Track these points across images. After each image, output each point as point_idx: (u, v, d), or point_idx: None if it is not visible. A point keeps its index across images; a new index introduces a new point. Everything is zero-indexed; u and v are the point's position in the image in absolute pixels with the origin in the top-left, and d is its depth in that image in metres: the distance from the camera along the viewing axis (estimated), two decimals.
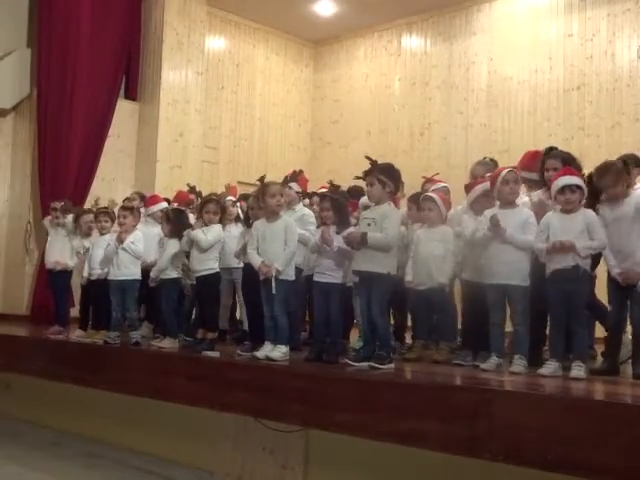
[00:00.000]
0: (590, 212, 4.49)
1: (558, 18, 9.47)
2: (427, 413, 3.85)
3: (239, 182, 9.57)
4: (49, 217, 7.55)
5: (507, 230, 4.63)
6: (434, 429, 3.80)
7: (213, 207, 5.56)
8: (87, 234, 6.84)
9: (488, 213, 4.80)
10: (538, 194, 5.06)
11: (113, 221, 6.41)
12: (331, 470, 4.96)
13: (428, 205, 5.33)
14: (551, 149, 5.17)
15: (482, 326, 4.92)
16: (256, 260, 5.04)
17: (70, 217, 7.14)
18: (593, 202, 4.60)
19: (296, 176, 5.98)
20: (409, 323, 5.77)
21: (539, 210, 4.81)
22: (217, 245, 5.56)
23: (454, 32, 10.50)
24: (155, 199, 7.15)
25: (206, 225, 5.54)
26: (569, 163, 4.84)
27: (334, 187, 5.31)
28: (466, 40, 10.36)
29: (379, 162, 4.78)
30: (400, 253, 5.20)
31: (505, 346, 4.88)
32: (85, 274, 6.49)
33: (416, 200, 5.66)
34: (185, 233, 5.66)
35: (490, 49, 10.08)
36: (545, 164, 5.03)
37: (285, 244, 5.00)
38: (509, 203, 4.82)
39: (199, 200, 6.03)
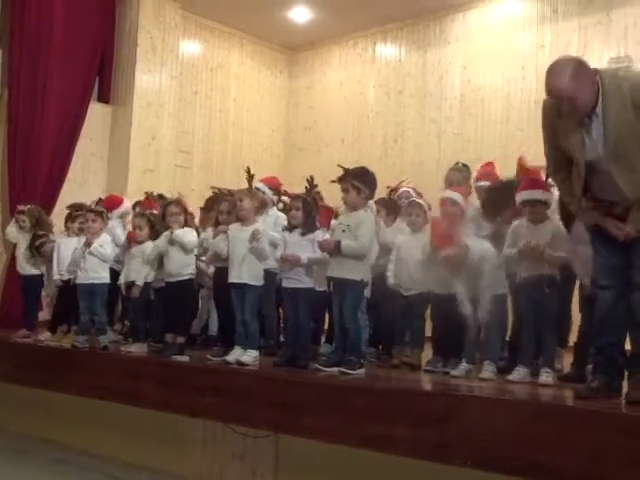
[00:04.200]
0: (557, 222, 4.53)
1: (531, 29, 9.57)
2: (397, 418, 3.86)
3: (212, 187, 9.51)
4: (13, 224, 7.37)
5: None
6: (404, 434, 3.81)
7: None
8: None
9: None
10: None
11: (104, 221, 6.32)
12: (301, 476, 4.94)
13: (416, 211, 5.34)
14: None
15: (452, 333, 4.94)
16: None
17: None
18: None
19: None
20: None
21: None
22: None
23: (428, 41, 10.55)
24: (117, 200, 7.14)
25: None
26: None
27: (311, 185, 5.30)
28: (440, 49, 10.42)
29: (353, 167, 4.79)
30: (382, 258, 5.25)
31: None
32: (56, 276, 6.42)
33: (386, 204, 5.70)
34: (165, 234, 5.60)
35: (464, 58, 10.15)
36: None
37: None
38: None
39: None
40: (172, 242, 5.52)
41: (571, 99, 3.60)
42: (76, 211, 6.72)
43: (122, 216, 7.00)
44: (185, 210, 5.72)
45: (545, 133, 3.88)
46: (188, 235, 5.55)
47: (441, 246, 4.78)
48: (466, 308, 4.65)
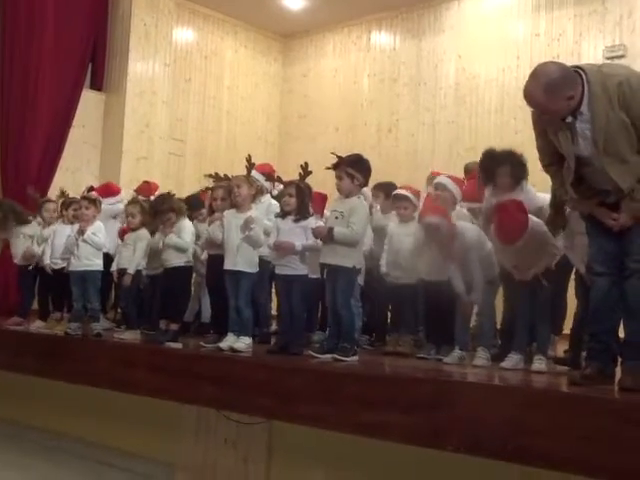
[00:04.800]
0: None
1: (526, 17, 9.55)
2: (390, 405, 3.86)
3: (205, 175, 9.49)
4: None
5: None
6: (397, 421, 3.81)
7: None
8: (50, 224, 6.74)
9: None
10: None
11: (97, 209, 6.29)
12: (294, 462, 4.95)
13: (404, 204, 5.36)
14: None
15: (445, 320, 4.95)
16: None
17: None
18: None
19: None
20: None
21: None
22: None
23: (423, 29, 10.53)
24: (112, 188, 7.12)
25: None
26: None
27: (306, 172, 5.28)
28: (435, 37, 10.40)
29: (347, 155, 4.78)
30: (377, 245, 5.25)
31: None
32: (47, 261, 6.40)
33: (384, 189, 5.70)
34: (159, 236, 5.57)
35: (458, 47, 10.13)
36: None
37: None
38: None
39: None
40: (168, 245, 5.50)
41: (542, 110, 3.64)
42: (70, 198, 6.70)
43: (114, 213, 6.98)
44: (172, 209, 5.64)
45: (536, 128, 3.88)
46: (183, 235, 5.51)
47: (427, 215, 4.79)
48: (459, 287, 4.66)
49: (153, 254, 5.75)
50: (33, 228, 6.88)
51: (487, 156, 4.71)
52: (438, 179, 5.31)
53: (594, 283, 3.85)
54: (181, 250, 5.43)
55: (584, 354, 4.46)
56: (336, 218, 4.70)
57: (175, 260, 5.47)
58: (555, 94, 3.54)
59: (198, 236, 5.70)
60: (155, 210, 5.66)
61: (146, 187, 7.30)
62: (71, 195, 6.93)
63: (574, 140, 3.66)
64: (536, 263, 4.39)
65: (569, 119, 3.63)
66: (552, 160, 3.87)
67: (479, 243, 4.77)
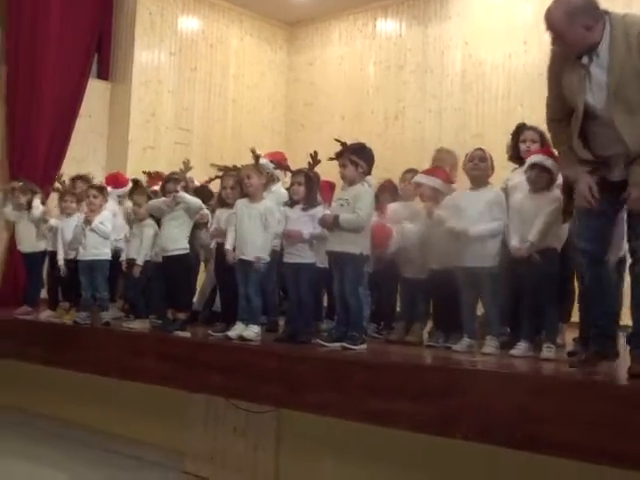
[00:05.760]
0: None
1: (533, 2, 9.47)
2: (399, 393, 3.87)
3: (212, 164, 9.47)
4: (8, 204, 7.24)
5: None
6: (406, 409, 3.82)
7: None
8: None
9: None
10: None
11: (79, 202, 6.35)
12: (303, 451, 4.97)
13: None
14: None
15: (453, 308, 4.95)
16: (228, 243, 5.08)
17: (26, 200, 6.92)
18: None
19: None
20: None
21: None
22: (189, 224, 5.55)
23: (429, 16, 10.45)
24: (120, 179, 7.11)
25: None
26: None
27: (315, 160, 5.27)
28: (441, 24, 10.33)
29: (351, 143, 4.78)
30: None
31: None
32: (61, 262, 6.37)
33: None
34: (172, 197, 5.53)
35: (465, 33, 10.05)
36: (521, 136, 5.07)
37: (264, 229, 5.02)
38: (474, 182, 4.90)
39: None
40: (177, 202, 5.48)
41: (559, 33, 3.61)
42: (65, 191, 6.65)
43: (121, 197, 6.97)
44: (186, 186, 5.68)
45: (550, 81, 3.86)
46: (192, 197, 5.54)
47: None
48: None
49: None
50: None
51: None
52: (415, 178, 5.35)
53: (578, 260, 3.79)
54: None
55: None
56: (341, 206, 4.70)
57: (169, 248, 5.48)
58: (574, 19, 3.53)
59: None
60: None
61: (113, 178, 7.25)
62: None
63: (585, 87, 3.61)
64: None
65: (585, 60, 3.60)
66: (561, 115, 3.83)
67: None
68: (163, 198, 5.60)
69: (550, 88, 3.87)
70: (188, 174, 5.72)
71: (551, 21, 3.61)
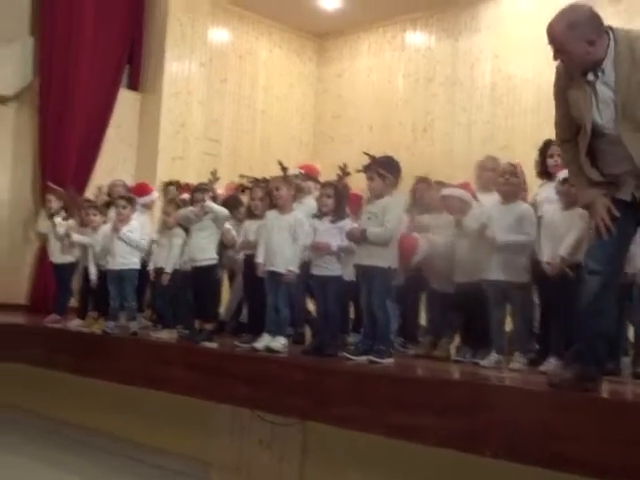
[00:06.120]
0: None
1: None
2: (425, 408, 3.83)
3: (241, 175, 9.52)
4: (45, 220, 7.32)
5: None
6: (432, 424, 3.78)
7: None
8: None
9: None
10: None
11: (102, 214, 6.43)
12: (328, 464, 4.95)
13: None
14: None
15: (480, 323, 4.91)
16: (259, 257, 5.11)
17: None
18: None
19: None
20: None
21: None
22: (217, 234, 5.57)
23: (459, 29, 10.44)
24: (146, 188, 7.17)
25: None
26: None
27: (344, 173, 5.27)
28: (471, 37, 10.31)
29: (378, 156, 4.78)
30: None
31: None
32: (93, 276, 6.45)
33: None
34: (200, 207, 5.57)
35: (495, 46, 10.02)
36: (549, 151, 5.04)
37: (293, 240, 5.03)
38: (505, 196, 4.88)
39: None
40: (205, 212, 5.51)
41: (560, 46, 3.56)
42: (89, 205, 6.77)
43: (147, 206, 7.03)
44: (214, 196, 5.72)
45: (557, 100, 3.81)
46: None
47: None
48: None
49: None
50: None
51: None
52: (449, 192, 5.33)
53: (587, 281, 3.64)
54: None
55: (625, 359, 4.40)
56: (369, 219, 4.70)
57: (197, 258, 5.51)
58: (576, 32, 3.49)
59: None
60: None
61: (138, 188, 7.32)
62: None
63: (593, 102, 3.55)
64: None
65: (590, 77, 3.54)
66: (570, 135, 3.77)
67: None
68: (191, 207, 5.64)
69: (557, 106, 3.82)
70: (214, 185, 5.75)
71: (553, 34, 3.58)
